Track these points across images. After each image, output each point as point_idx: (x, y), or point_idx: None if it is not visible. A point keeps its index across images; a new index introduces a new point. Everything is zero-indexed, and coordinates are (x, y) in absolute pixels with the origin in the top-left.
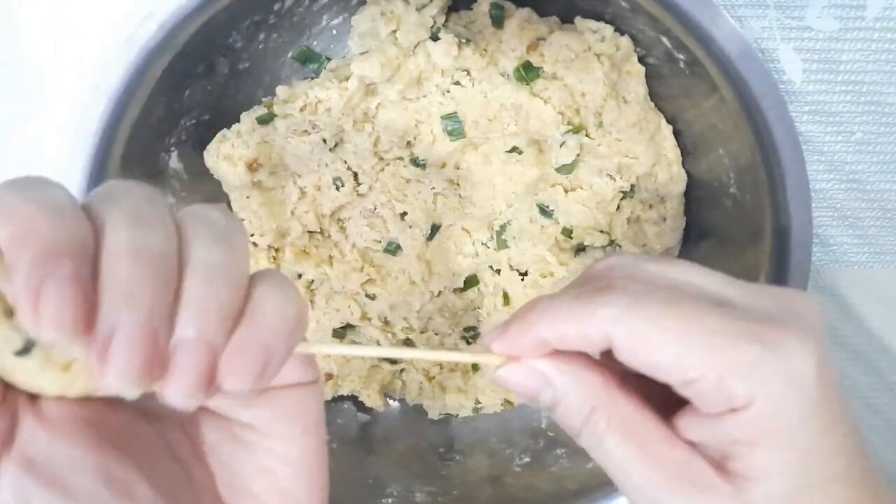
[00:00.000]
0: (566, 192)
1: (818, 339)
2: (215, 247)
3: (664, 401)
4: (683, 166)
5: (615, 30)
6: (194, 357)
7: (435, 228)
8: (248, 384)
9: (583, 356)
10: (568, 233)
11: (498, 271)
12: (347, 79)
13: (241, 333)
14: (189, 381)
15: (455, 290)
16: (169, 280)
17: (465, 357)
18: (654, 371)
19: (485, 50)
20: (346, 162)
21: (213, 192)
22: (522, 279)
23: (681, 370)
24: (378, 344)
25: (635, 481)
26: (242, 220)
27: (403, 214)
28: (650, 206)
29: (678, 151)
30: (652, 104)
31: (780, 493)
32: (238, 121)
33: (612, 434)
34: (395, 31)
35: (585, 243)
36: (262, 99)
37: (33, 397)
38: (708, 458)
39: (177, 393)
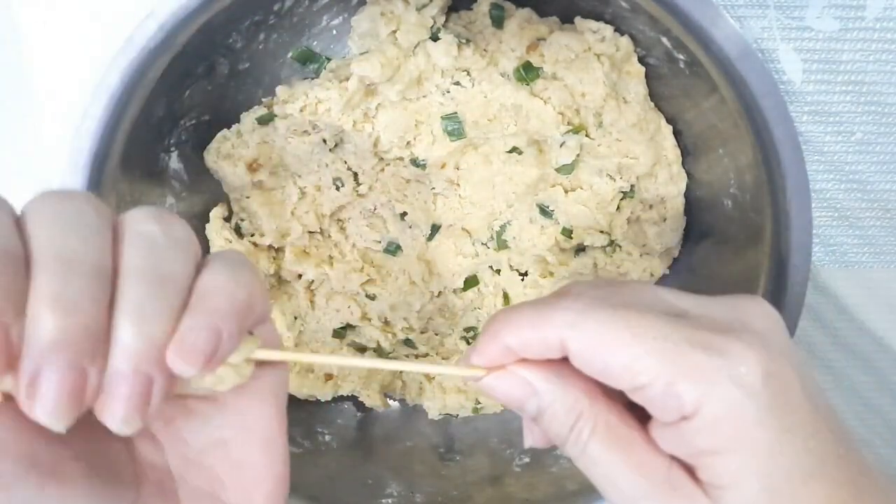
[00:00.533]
0: (566, 192)
1: (769, 345)
2: (150, 256)
3: (643, 411)
4: (683, 166)
5: (615, 30)
6: (126, 388)
7: (435, 228)
8: (195, 368)
9: (566, 364)
10: (568, 233)
11: (498, 271)
12: (347, 79)
13: (186, 323)
14: (123, 410)
15: (455, 291)
16: (97, 315)
17: (447, 371)
18: (607, 377)
19: (485, 50)
20: (346, 162)
21: (213, 192)
22: (522, 279)
23: (631, 375)
24: (378, 344)
25: (623, 489)
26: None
27: (403, 215)
28: (650, 207)
29: (678, 151)
30: (652, 104)
31: (752, 498)
32: (238, 121)
33: (597, 441)
34: (395, 32)
35: (585, 243)
36: (262, 99)
37: None
38: (684, 465)
39: (113, 421)
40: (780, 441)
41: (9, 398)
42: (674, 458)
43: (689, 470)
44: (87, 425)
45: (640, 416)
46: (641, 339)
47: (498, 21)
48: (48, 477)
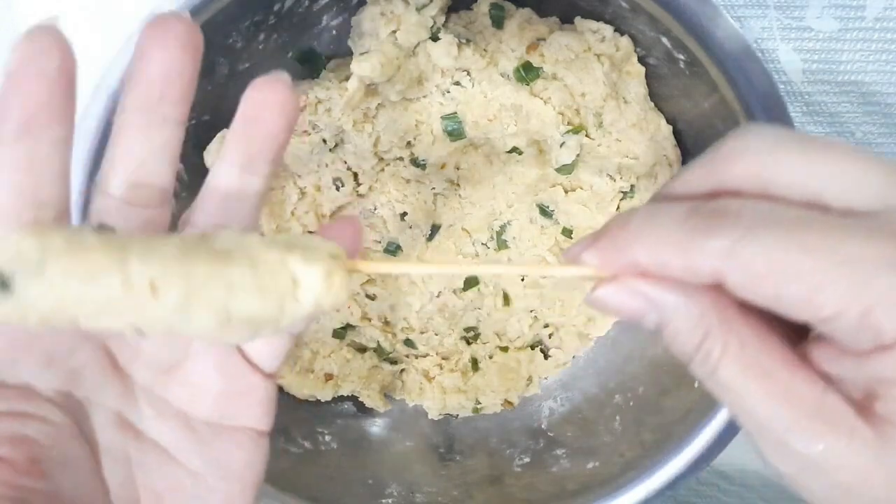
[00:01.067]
0: (566, 192)
1: None
2: None
3: (792, 326)
4: (683, 166)
5: (615, 30)
6: None
7: (435, 228)
8: None
9: None
10: (568, 233)
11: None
12: (347, 79)
13: None
14: None
15: (455, 290)
16: None
17: (555, 271)
18: (780, 308)
19: (485, 50)
20: (346, 162)
21: None
22: (522, 279)
23: (813, 307)
24: (378, 344)
25: (760, 420)
26: None
27: (403, 215)
28: None
29: (678, 151)
30: (652, 104)
31: None
32: None
33: (729, 363)
34: (395, 32)
35: None
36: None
37: None
38: (848, 396)
39: None
40: None
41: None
42: (834, 383)
43: (856, 399)
44: (74, 480)
45: (785, 331)
46: (824, 266)
47: (498, 21)
48: None
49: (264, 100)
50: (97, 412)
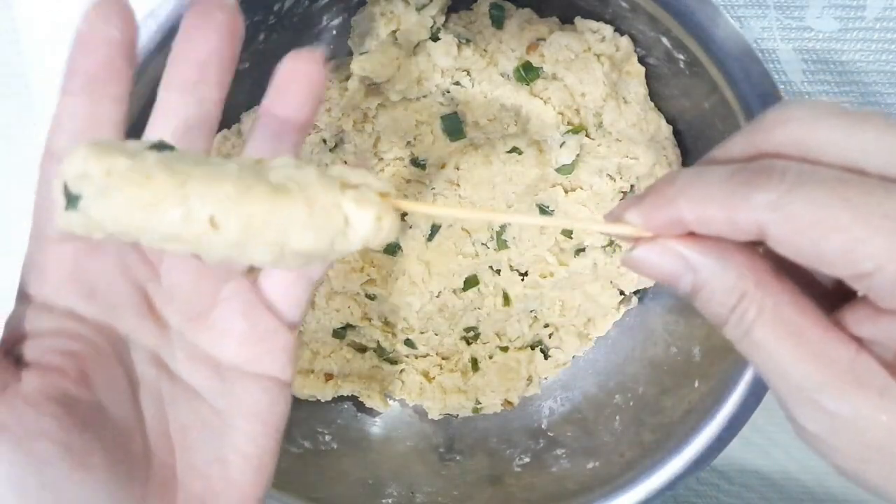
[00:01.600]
0: (566, 192)
1: None
2: None
3: (825, 294)
4: (683, 166)
5: (615, 30)
6: None
7: (435, 229)
8: None
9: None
10: (568, 233)
11: (498, 271)
12: (347, 79)
13: None
14: None
15: (455, 291)
16: None
17: (598, 227)
18: (820, 263)
19: (485, 50)
20: (346, 162)
21: None
22: (522, 279)
23: (853, 261)
24: (378, 344)
25: (793, 380)
26: None
27: (404, 215)
28: None
29: (678, 151)
30: (652, 104)
31: None
32: (238, 121)
33: (764, 324)
34: (395, 32)
35: (585, 243)
36: (263, 99)
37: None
38: (880, 358)
39: None
40: None
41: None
42: (868, 346)
43: (890, 361)
44: (116, 425)
45: (819, 298)
46: (866, 220)
47: (498, 21)
48: (77, 464)
49: (295, 70)
50: (136, 350)
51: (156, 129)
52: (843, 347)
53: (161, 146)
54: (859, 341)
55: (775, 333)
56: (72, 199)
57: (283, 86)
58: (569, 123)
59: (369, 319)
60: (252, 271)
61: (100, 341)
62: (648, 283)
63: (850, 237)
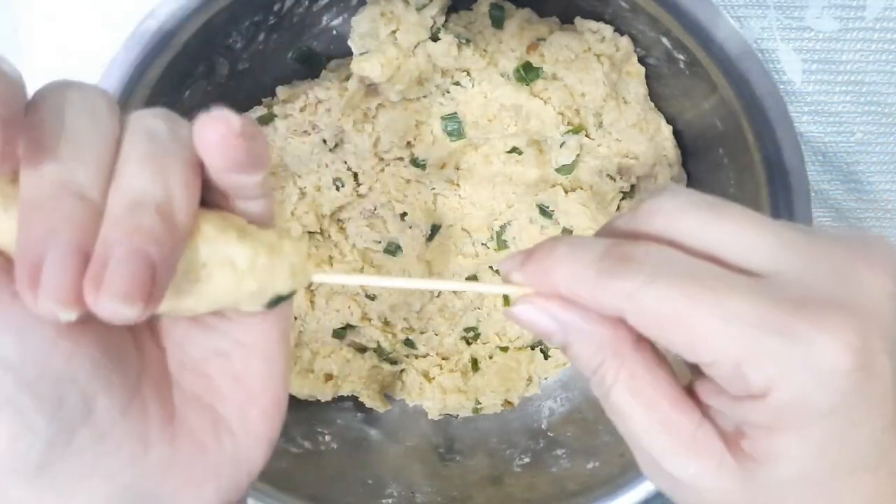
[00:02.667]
0: (566, 192)
1: (869, 326)
2: (145, 170)
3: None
4: (683, 166)
5: (615, 30)
6: (124, 251)
7: (435, 229)
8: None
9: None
10: (568, 233)
11: (498, 272)
12: (347, 79)
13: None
14: (122, 284)
15: (455, 291)
16: (100, 202)
17: (485, 288)
18: (669, 347)
19: (485, 50)
20: (346, 162)
21: None
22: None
23: (695, 353)
24: (378, 344)
25: (642, 443)
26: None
27: (403, 215)
28: None
29: (678, 151)
30: (652, 104)
31: (790, 480)
32: None
33: (619, 391)
34: (395, 32)
35: None
36: (262, 99)
37: None
38: (722, 429)
39: (112, 298)
40: (842, 433)
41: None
42: (714, 415)
43: (729, 433)
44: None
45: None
46: (708, 320)
47: (498, 21)
48: (63, 332)
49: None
50: None
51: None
52: (688, 417)
53: None
54: (707, 409)
55: (629, 400)
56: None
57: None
58: (569, 123)
59: (369, 319)
60: None
61: None
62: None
63: (692, 334)
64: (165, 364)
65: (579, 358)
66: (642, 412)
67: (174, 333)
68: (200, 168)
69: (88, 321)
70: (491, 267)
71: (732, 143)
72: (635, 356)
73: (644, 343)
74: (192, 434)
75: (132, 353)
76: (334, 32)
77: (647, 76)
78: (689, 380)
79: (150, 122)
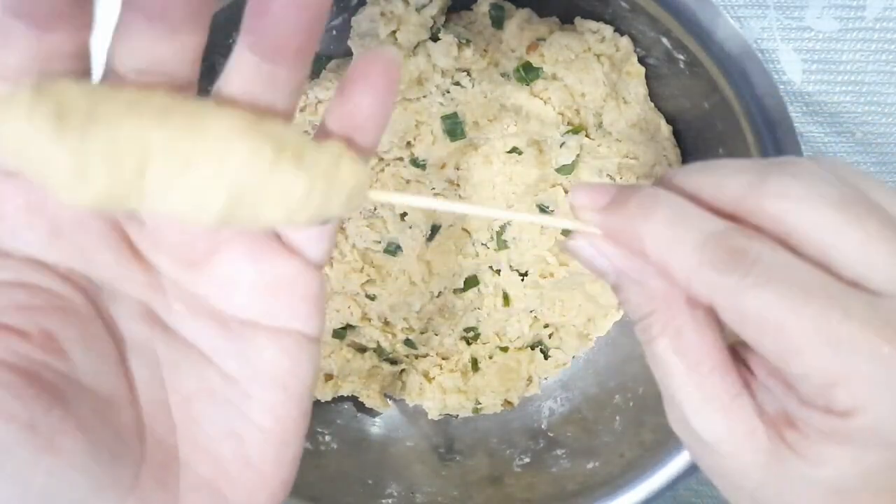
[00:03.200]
0: (566, 192)
1: None
2: None
3: None
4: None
5: (615, 30)
6: None
7: (435, 229)
8: None
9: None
10: (568, 233)
11: (498, 272)
12: None
13: None
14: None
15: (455, 291)
16: None
17: (548, 221)
18: (757, 348)
19: (485, 50)
20: None
21: None
22: (522, 279)
23: (787, 362)
24: (378, 344)
25: (674, 395)
26: None
27: (403, 215)
28: None
29: (678, 151)
30: (652, 104)
31: (820, 482)
32: None
33: (664, 344)
34: (395, 32)
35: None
36: None
37: None
38: (761, 406)
39: None
40: (892, 463)
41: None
42: (752, 388)
43: (770, 414)
44: (97, 400)
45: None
46: (812, 337)
47: (498, 21)
48: (44, 448)
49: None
50: (120, 302)
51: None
52: (728, 386)
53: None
54: (752, 379)
55: (670, 352)
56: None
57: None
58: (569, 123)
59: (369, 319)
60: None
61: (70, 294)
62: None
63: (789, 345)
64: (175, 446)
65: (629, 303)
66: (683, 369)
67: (191, 410)
68: None
69: (80, 427)
70: (491, 267)
71: (732, 143)
72: (686, 314)
73: (698, 302)
74: None
75: (132, 444)
76: (334, 32)
77: (647, 76)
78: (736, 339)
79: None
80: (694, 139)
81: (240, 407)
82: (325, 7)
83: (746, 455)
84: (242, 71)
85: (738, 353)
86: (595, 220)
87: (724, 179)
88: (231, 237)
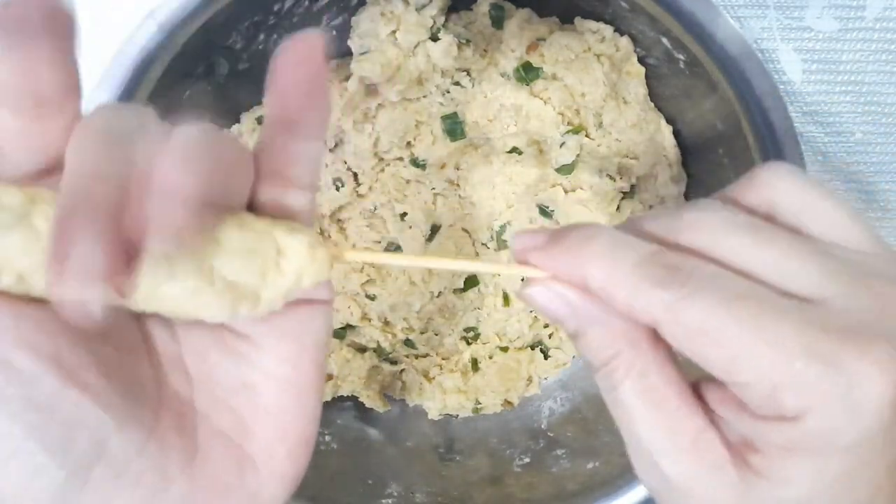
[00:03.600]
0: (566, 192)
1: None
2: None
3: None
4: (683, 166)
5: (615, 30)
6: (171, 203)
7: (435, 229)
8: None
9: None
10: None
11: (498, 273)
12: (347, 79)
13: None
14: (172, 219)
15: (455, 291)
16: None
17: (497, 269)
18: (702, 364)
19: (485, 50)
20: (345, 162)
21: None
22: (522, 279)
23: (731, 372)
24: (378, 344)
25: (641, 440)
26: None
27: (403, 215)
28: (650, 207)
29: (678, 151)
30: (652, 104)
31: (789, 501)
32: (238, 121)
33: (628, 386)
34: (395, 32)
35: None
36: (262, 99)
37: None
38: (726, 438)
39: (164, 230)
40: (854, 469)
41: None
42: (719, 422)
43: (734, 443)
44: (119, 342)
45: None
46: (750, 341)
47: (498, 21)
48: (69, 380)
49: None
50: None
51: None
52: (693, 422)
53: None
54: (711, 415)
55: (635, 395)
56: None
57: (281, 88)
58: (569, 123)
59: (369, 319)
60: None
61: None
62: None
63: (733, 353)
64: (190, 397)
65: (591, 348)
66: (648, 409)
67: (205, 365)
68: (249, 167)
69: (101, 365)
70: None
71: (732, 143)
72: (649, 353)
73: (658, 340)
74: (216, 472)
75: (150, 389)
76: (334, 32)
77: (647, 76)
78: (694, 378)
79: (192, 128)
80: (694, 139)
81: (252, 359)
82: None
83: (718, 492)
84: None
85: (694, 388)
86: (538, 259)
87: (640, 226)
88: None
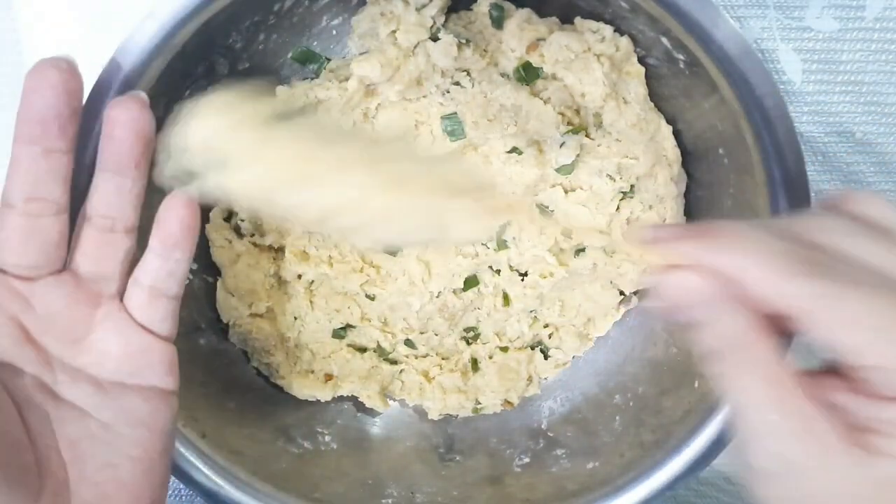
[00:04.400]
0: (566, 192)
1: None
2: None
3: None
4: (683, 166)
5: (615, 30)
6: None
7: None
8: None
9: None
10: (568, 233)
11: (498, 272)
12: (347, 79)
13: None
14: None
15: (455, 291)
16: None
17: (604, 241)
18: (830, 348)
19: (485, 50)
20: None
21: None
22: (522, 279)
23: (862, 355)
24: (378, 344)
25: (750, 417)
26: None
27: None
28: (650, 207)
29: (678, 151)
30: (652, 104)
31: None
32: None
33: (750, 373)
34: (394, 32)
35: (585, 244)
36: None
37: None
38: (839, 419)
39: None
40: None
41: None
42: (829, 409)
43: (850, 424)
44: (4, 438)
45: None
46: (887, 326)
47: (498, 21)
48: None
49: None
50: (19, 376)
51: (12, 182)
52: (810, 405)
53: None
54: (826, 402)
55: (753, 379)
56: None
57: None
58: (569, 123)
59: (369, 319)
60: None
61: None
62: (648, 284)
63: (867, 337)
64: (65, 479)
65: (716, 336)
66: (764, 392)
67: (77, 450)
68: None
69: None
70: (491, 267)
71: (732, 143)
72: (769, 341)
73: (772, 330)
74: None
75: (33, 478)
76: (334, 32)
77: (647, 76)
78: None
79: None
80: (694, 139)
81: (113, 444)
82: (151, 136)
83: (829, 472)
84: (98, 186)
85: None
86: (688, 249)
87: (774, 226)
88: (103, 318)
